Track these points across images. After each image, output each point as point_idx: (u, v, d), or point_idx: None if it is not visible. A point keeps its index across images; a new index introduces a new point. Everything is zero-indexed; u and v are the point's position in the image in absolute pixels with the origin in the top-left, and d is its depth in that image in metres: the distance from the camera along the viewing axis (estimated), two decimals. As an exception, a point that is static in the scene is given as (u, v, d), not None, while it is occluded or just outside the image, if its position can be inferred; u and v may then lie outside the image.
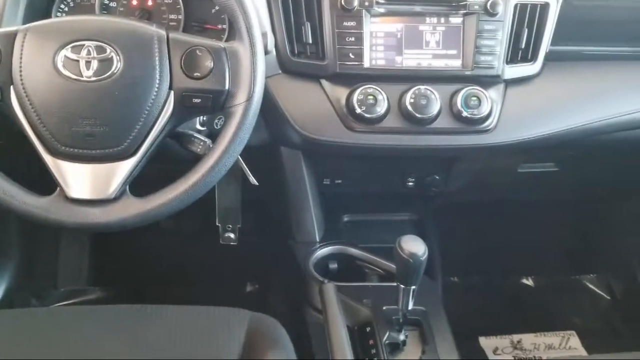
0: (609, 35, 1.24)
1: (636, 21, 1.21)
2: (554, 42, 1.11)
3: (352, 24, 1.05)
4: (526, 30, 1.09)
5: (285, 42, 1.05)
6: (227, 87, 0.83)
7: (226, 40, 0.97)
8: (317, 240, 1.30)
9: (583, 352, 1.63)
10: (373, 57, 1.07)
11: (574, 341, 1.66)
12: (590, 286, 1.85)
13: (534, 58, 1.11)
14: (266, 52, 0.87)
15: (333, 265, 1.27)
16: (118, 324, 0.91)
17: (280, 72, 1.07)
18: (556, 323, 1.71)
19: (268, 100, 1.02)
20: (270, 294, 1.66)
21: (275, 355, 0.86)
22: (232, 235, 1.33)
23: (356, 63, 1.06)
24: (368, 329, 1.04)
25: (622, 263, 1.78)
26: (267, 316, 0.95)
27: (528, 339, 1.66)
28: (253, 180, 1.03)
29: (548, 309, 1.78)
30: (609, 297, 1.81)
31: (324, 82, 1.07)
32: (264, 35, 0.87)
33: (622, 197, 1.70)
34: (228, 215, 1.31)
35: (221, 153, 0.83)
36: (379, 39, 1.07)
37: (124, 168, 0.82)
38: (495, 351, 1.63)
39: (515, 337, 1.66)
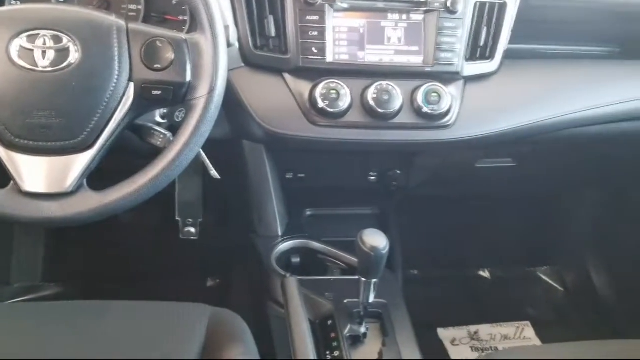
0: (564, 34, 1.28)
1: (590, 21, 1.25)
2: (512, 40, 1.14)
3: (315, 18, 1.05)
4: (485, 29, 1.11)
5: (248, 35, 1.04)
6: (188, 79, 0.82)
7: (187, 32, 0.96)
8: (280, 234, 1.30)
9: (537, 342, 1.68)
10: (336, 51, 1.07)
11: (529, 331, 1.71)
12: (544, 278, 1.91)
13: (492, 56, 1.13)
14: (229, 45, 0.87)
15: (295, 260, 1.27)
16: (73, 321, 0.89)
17: (243, 65, 1.06)
18: (512, 314, 1.75)
19: (230, 94, 1.01)
20: (231, 289, 1.65)
21: (237, 351, 0.86)
22: (192, 230, 1.31)
23: (319, 57, 1.06)
24: (330, 323, 1.04)
25: (573, 255, 1.84)
26: (228, 311, 0.94)
27: (485, 330, 1.70)
28: (215, 174, 1.02)
29: (504, 300, 1.83)
30: (561, 289, 1.87)
31: (287, 76, 1.07)
32: (227, 27, 0.86)
33: (575, 192, 1.75)
34: (189, 210, 1.29)
35: (182, 146, 0.82)
36: (341, 34, 1.07)
37: (81, 161, 0.80)
38: (453, 342, 1.67)
39: (473, 328, 1.70)
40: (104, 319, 0.89)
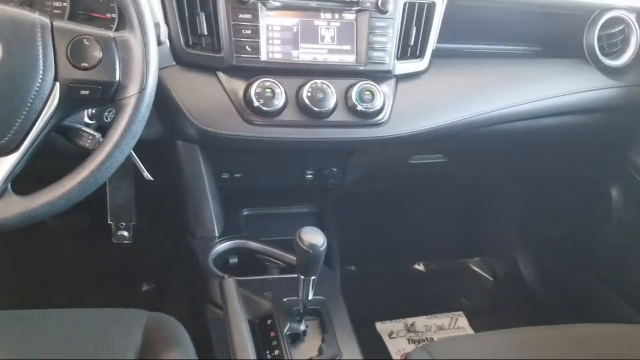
0: (489, 34, 1.33)
1: (512, 22, 1.30)
2: (441, 40, 1.17)
3: (248, 16, 1.04)
4: (414, 28, 1.14)
5: (179, 32, 1.02)
6: (117, 78, 0.80)
7: (116, 30, 0.93)
8: (216, 235, 1.29)
9: (470, 331, 1.74)
10: (270, 50, 1.07)
11: (462, 321, 1.77)
12: (476, 269, 1.98)
13: (422, 55, 1.16)
14: (159, 43, 0.85)
15: (233, 260, 1.26)
16: (1, 332, 0.85)
17: (174, 63, 1.04)
18: (446, 305, 1.81)
19: (162, 93, 0.99)
20: (168, 293, 1.62)
21: (174, 355, 0.84)
22: (125, 234, 1.27)
23: (253, 56, 1.06)
24: (269, 322, 1.04)
25: (503, 246, 1.92)
26: (165, 315, 0.92)
27: (421, 322, 1.75)
28: (147, 175, 0.99)
29: (438, 292, 1.88)
30: (492, 279, 1.94)
31: (220, 74, 1.06)
32: (157, 25, 0.84)
33: (503, 186, 1.83)
34: (121, 213, 1.25)
35: (112, 147, 0.80)
36: (275, 33, 1.07)
37: (5, 164, 0.77)
38: (390, 335, 1.70)
39: (409, 321, 1.75)
40: (33, 329, 0.85)
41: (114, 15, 1.07)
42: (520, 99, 1.23)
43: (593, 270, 1.59)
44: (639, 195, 1.32)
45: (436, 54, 1.18)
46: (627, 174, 1.37)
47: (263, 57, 1.06)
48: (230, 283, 1.02)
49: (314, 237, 0.93)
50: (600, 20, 1.27)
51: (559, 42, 1.34)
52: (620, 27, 1.29)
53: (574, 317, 1.27)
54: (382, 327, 1.72)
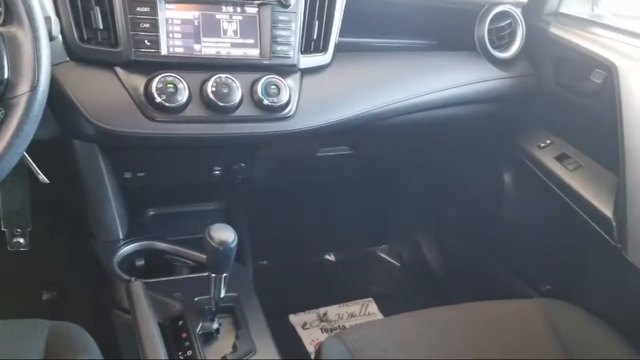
0: (391, 28, 1.37)
1: (410, 16, 1.35)
2: (343, 34, 1.19)
3: (146, 9, 1.00)
4: (317, 22, 1.15)
5: (72, 26, 0.97)
6: (6, 75, 0.75)
7: (2, 25, 0.87)
8: (121, 237, 1.24)
9: (380, 316, 1.80)
10: (170, 44, 1.04)
11: (372, 307, 1.83)
12: (383, 255, 2.05)
13: (325, 49, 1.18)
14: (51, 38, 0.80)
15: (140, 262, 1.22)
16: None
17: (68, 59, 0.99)
18: (356, 292, 1.86)
19: (56, 90, 0.94)
20: (71, 300, 1.54)
21: (81, 364, 0.80)
22: (21, 240, 1.20)
23: (153, 50, 1.02)
24: (180, 323, 1.02)
25: (408, 233, 2.00)
26: (68, 323, 0.88)
27: (333, 311, 1.79)
28: (43, 178, 0.94)
29: (349, 280, 1.92)
30: (399, 264, 2.02)
31: (118, 70, 1.02)
32: (47, 19, 0.80)
33: (407, 175, 1.90)
34: (15, 219, 1.18)
35: (3, 150, 0.75)
36: (175, 26, 1.04)
37: None
38: (304, 326, 1.72)
39: (322, 310, 1.78)
40: None
41: (0, 9, 0.99)
42: (420, 91, 1.28)
43: (491, 250, 1.69)
44: (527, 177, 1.42)
45: (339, 48, 1.20)
46: (516, 158, 1.46)
47: (163, 51, 1.03)
48: (137, 286, 0.98)
49: (224, 234, 0.92)
50: (489, 14, 1.34)
51: (453, 36, 1.40)
52: (508, 21, 1.37)
53: (475, 295, 1.35)
54: (296, 319, 1.74)
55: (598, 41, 1.23)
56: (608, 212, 1.16)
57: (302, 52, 1.14)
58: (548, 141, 1.39)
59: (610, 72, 1.17)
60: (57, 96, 0.95)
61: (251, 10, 1.09)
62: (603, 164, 1.25)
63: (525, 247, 1.54)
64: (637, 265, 1.09)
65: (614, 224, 1.14)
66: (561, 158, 1.34)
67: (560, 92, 1.35)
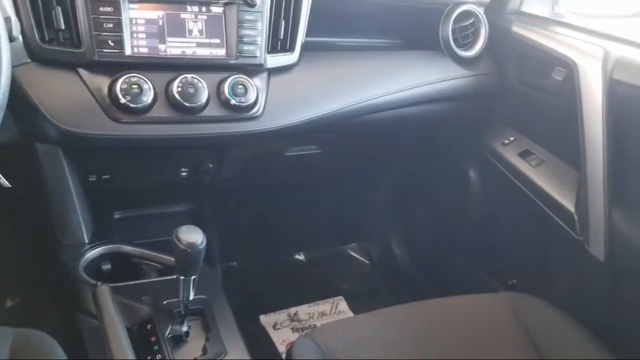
0: (357, 28, 1.37)
1: (374, 15, 1.36)
2: (310, 33, 1.19)
3: (109, 9, 0.99)
4: (283, 22, 1.15)
5: (33, 27, 0.95)
6: (-37, 77, 0.72)
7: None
8: (86, 241, 1.22)
9: (350, 314, 1.81)
10: (135, 44, 1.02)
11: (343, 305, 1.83)
12: (353, 254, 2.05)
13: (292, 48, 1.18)
14: (11, 39, 0.78)
15: (106, 266, 1.20)
16: None
17: (29, 60, 0.97)
18: (327, 291, 1.86)
19: (17, 92, 0.91)
20: (36, 306, 1.50)
21: (47, 371, 0.79)
22: (-18, 247, 1.16)
23: (116, 51, 1.01)
24: (149, 327, 1.01)
25: (377, 231, 2.01)
26: (34, 330, 0.86)
27: (303, 310, 1.79)
28: (4, 182, 0.91)
29: (319, 279, 1.93)
30: (368, 262, 2.03)
31: (81, 71, 1.00)
32: (7, 19, 0.78)
33: (376, 173, 1.91)
34: (-25, 224, 1.14)
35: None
36: (139, 26, 1.03)
37: None
38: (274, 326, 1.72)
39: (292, 310, 1.77)
40: None
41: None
42: (386, 90, 1.29)
43: (459, 246, 1.71)
44: (493, 174, 1.44)
45: (306, 47, 1.20)
46: (483, 155, 1.48)
47: (127, 51, 1.02)
48: (103, 290, 0.97)
49: (192, 236, 0.91)
50: (453, 13, 1.36)
51: (419, 35, 1.42)
52: (471, 20, 1.39)
53: (444, 291, 1.37)
54: (266, 320, 1.73)
55: (558, 39, 1.26)
56: (570, 206, 1.19)
57: (269, 52, 1.14)
58: (512, 138, 1.42)
59: (570, 69, 1.20)
60: (18, 98, 0.93)
61: (217, 9, 1.09)
62: (565, 160, 1.28)
63: (492, 242, 1.57)
64: (598, 258, 1.12)
65: (576, 217, 1.17)
66: (524, 154, 1.37)
67: (523, 90, 1.38)
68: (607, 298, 1.14)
